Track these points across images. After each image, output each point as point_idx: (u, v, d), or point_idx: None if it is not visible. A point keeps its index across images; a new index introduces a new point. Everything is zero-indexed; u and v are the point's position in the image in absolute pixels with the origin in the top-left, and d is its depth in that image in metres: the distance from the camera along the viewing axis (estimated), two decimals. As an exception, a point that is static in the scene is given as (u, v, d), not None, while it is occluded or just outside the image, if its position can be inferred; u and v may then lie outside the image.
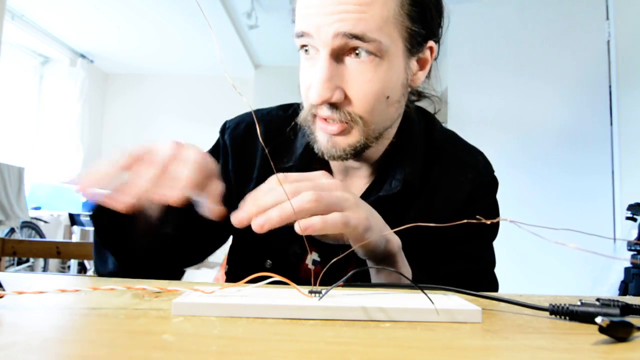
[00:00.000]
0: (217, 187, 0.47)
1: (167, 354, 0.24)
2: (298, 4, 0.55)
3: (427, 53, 0.61)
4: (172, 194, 0.43)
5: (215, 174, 0.47)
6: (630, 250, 1.70)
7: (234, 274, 0.72)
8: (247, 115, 0.72)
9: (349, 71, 0.54)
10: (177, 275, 0.69)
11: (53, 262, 4.03)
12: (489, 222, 0.33)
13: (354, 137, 0.56)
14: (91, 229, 3.96)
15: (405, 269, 0.53)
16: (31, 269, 3.66)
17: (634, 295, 1.68)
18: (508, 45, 2.55)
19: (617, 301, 0.36)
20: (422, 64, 0.61)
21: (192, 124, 4.96)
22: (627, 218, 1.86)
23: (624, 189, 2.22)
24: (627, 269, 1.77)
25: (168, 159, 0.44)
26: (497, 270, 0.68)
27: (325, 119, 0.55)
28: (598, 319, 0.28)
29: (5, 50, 2.96)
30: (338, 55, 0.53)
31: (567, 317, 0.34)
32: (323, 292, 0.36)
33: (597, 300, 0.36)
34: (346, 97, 0.54)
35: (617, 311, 0.34)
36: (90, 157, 4.72)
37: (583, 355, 0.26)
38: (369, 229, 0.46)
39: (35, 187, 3.91)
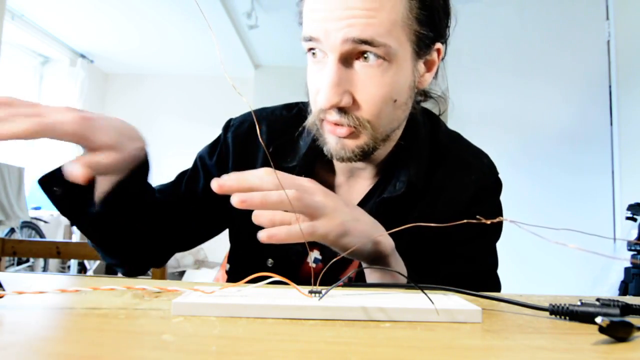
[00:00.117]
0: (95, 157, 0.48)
1: (167, 354, 0.24)
2: (305, 7, 0.55)
3: (435, 55, 0.60)
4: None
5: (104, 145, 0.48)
6: (630, 250, 1.70)
7: (235, 273, 0.72)
8: (249, 113, 0.72)
9: (357, 75, 0.54)
10: (154, 259, 0.71)
11: (53, 262, 4.03)
12: (488, 222, 0.33)
13: (363, 140, 0.56)
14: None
15: (400, 270, 0.53)
16: (31, 269, 3.66)
17: (634, 295, 1.68)
18: (508, 45, 2.55)
19: (617, 301, 0.36)
20: (429, 66, 0.61)
21: (192, 124, 4.95)
22: (627, 218, 1.86)
23: (624, 189, 2.22)
24: (627, 269, 1.77)
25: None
26: (497, 270, 0.68)
27: (333, 123, 0.55)
28: (598, 319, 0.28)
29: (5, 50, 2.96)
30: (346, 60, 0.53)
31: (567, 317, 0.34)
32: (323, 292, 0.36)
33: (597, 300, 0.36)
34: (354, 101, 0.54)
35: (617, 311, 0.34)
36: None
37: (583, 355, 0.26)
38: (344, 235, 0.47)
39: (35, 187, 3.91)
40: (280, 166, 0.55)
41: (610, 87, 2.32)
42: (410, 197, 0.62)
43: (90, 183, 0.56)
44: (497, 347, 0.27)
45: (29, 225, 3.56)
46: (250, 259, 0.68)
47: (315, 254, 0.65)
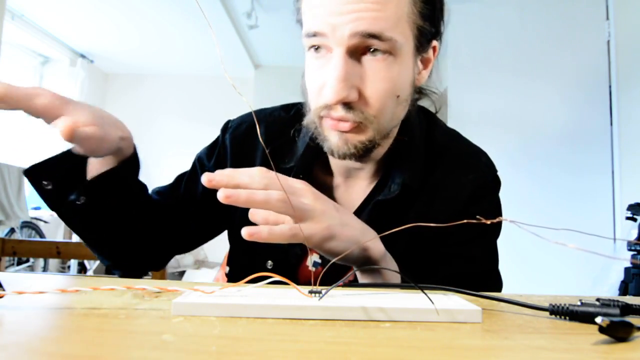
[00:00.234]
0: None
1: (167, 354, 0.24)
2: (306, 3, 0.55)
3: (430, 52, 0.61)
4: None
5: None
6: (630, 250, 1.70)
7: (234, 276, 0.72)
8: (250, 115, 0.72)
9: (363, 70, 0.53)
10: (153, 260, 0.71)
11: (53, 262, 4.03)
12: (488, 222, 0.33)
13: (365, 135, 0.56)
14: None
15: (391, 274, 0.53)
16: (31, 269, 3.66)
17: (634, 295, 1.68)
18: (508, 45, 2.55)
19: (617, 301, 0.36)
20: (425, 63, 0.61)
21: (192, 124, 4.95)
22: (627, 218, 1.86)
23: (624, 189, 2.22)
24: (627, 269, 1.77)
25: None
26: (498, 267, 0.67)
27: (337, 119, 0.54)
28: (598, 319, 0.28)
29: (5, 50, 2.96)
30: (352, 54, 0.53)
31: (567, 317, 0.34)
32: (323, 292, 0.36)
33: (597, 300, 0.36)
34: (360, 96, 0.54)
35: (617, 311, 0.34)
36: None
37: (583, 355, 0.26)
38: (329, 239, 0.47)
39: (35, 187, 3.91)
40: (278, 167, 0.55)
41: (610, 87, 2.32)
42: (406, 199, 0.61)
43: (79, 176, 0.56)
44: (497, 347, 0.27)
45: (29, 225, 3.56)
46: (250, 261, 0.68)
47: (315, 257, 0.65)
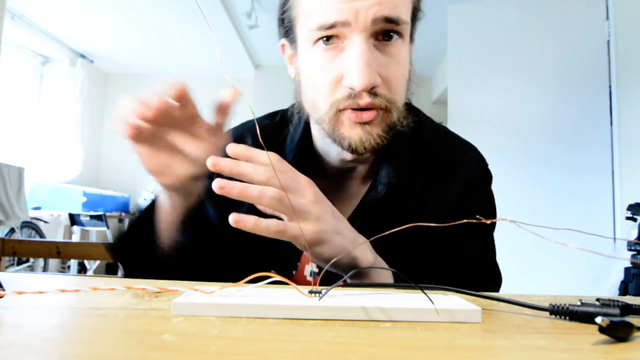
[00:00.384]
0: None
1: (167, 354, 0.24)
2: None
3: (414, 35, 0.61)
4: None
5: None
6: (630, 250, 1.70)
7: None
8: (237, 127, 0.71)
9: (381, 54, 0.53)
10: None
11: (53, 262, 4.02)
12: (489, 222, 0.33)
13: (388, 121, 0.55)
14: (91, 228, 3.95)
15: (386, 280, 0.53)
16: (31, 269, 3.66)
17: (634, 295, 1.68)
18: (508, 45, 2.55)
19: (617, 301, 0.36)
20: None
21: (192, 124, 4.95)
22: (627, 218, 1.86)
23: (624, 189, 2.22)
24: (627, 269, 1.77)
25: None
26: (496, 260, 0.67)
27: (359, 109, 0.54)
28: (598, 319, 0.28)
29: (5, 50, 2.96)
30: (369, 40, 0.53)
31: (567, 317, 0.34)
32: (323, 292, 0.36)
33: (597, 300, 0.36)
34: (382, 80, 0.54)
35: (617, 311, 0.34)
36: (90, 157, 4.72)
37: (583, 355, 0.26)
38: (317, 244, 0.47)
39: (35, 187, 3.91)
40: None
41: (610, 87, 2.32)
42: (395, 199, 0.61)
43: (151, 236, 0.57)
44: (497, 347, 0.27)
45: (29, 225, 3.55)
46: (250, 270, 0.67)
47: (312, 267, 0.64)
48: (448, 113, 2.64)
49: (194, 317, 0.32)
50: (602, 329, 0.28)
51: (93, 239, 4.27)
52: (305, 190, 0.48)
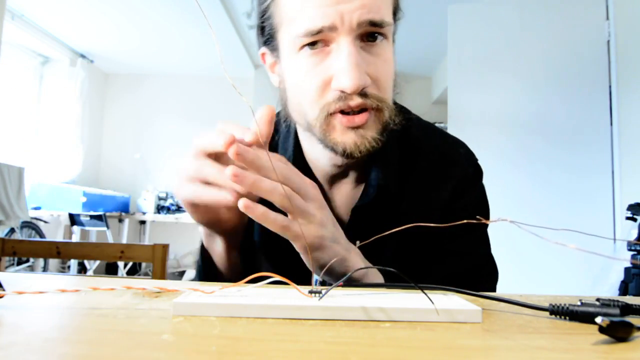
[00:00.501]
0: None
1: (167, 354, 0.24)
2: (303, 4, 0.53)
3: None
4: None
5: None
6: (630, 250, 1.70)
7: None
8: None
9: (368, 55, 0.53)
10: None
11: (53, 262, 4.03)
12: (488, 222, 0.33)
13: (378, 123, 0.55)
14: (91, 228, 3.96)
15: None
16: (31, 269, 3.66)
17: (634, 295, 1.68)
18: (508, 45, 2.55)
19: (617, 301, 0.36)
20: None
21: (192, 124, 4.95)
22: (627, 218, 1.86)
23: (624, 189, 2.22)
24: (627, 269, 1.77)
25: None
26: (491, 253, 0.67)
27: (347, 113, 0.53)
28: (598, 319, 0.28)
29: (5, 50, 2.96)
30: (356, 41, 0.52)
31: (567, 317, 0.34)
32: (323, 292, 0.36)
33: (597, 300, 0.36)
34: (371, 81, 0.54)
35: (617, 311, 0.34)
36: (90, 157, 4.72)
37: (583, 355, 0.26)
38: (316, 249, 0.48)
39: (35, 187, 3.91)
40: None
41: (610, 87, 2.32)
42: (387, 201, 0.60)
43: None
44: (497, 347, 0.27)
45: (29, 225, 3.56)
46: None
47: (316, 277, 0.65)
48: (448, 113, 2.64)
49: (194, 317, 0.32)
50: (602, 329, 0.28)
51: (93, 239, 4.28)
52: (313, 195, 0.48)
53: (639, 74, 2.14)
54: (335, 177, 0.64)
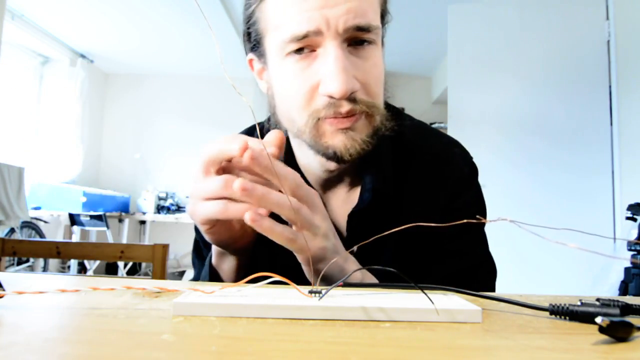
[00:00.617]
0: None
1: (167, 354, 0.24)
2: (280, 7, 0.52)
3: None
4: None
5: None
6: (630, 250, 1.70)
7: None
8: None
9: (356, 59, 0.53)
10: None
11: (53, 262, 4.03)
12: (489, 221, 0.33)
13: (372, 125, 0.55)
14: (91, 228, 3.96)
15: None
16: (31, 269, 3.66)
17: (634, 295, 1.68)
18: (508, 45, 2.55)
19: (617, 301, 0.36)
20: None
21: (192, 124, 4.96)
22: (627, 218, 1.86)
23: (624, 189, 2.23)
24: (627, 269, 1.77)
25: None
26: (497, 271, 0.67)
27: (344, 114, 0.52)
28: (598, 319, 0.28)
29: (5, 50, 2.96)
30: (343, 46, 0.52)
31: (567, 317, 0.34)
32: (323, 292, 0.36)
33: (597, 300, 0.36)
34: (360, 86, 0.53)
35: (617, 311, 0.34)
36: (90, 157, 4.73)
37: (583, 355, 0.26)
38: (319, 261, 0.47)
39: (35, 187, 3.91)
40: None
41: (610, 87, 2.33)
42: (383, 205, 0.60)
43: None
44: (497, 347, 0.27)
45: (29, 225, 3.56)
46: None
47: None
48: (448, 113, 2.64)
49: (194, 317, 0.32)
50: (602, 329, 0.28)
51: (93, 239, 4.28)
52: (318, 206, 0.48)
53: (639, 74, 2.14)
54: (330, 183, 0.63)
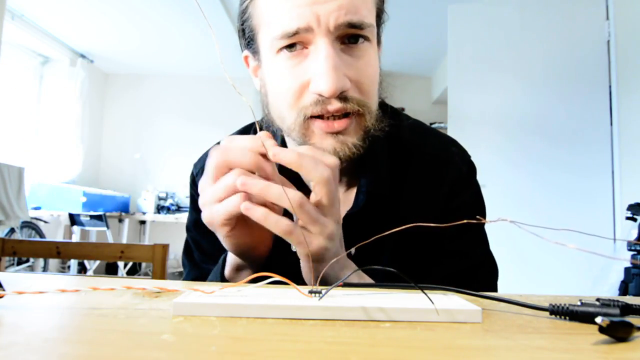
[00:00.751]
0: None
1: (167, 354, 0.24)
2: (279, 6, 0.51)
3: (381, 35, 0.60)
4: None
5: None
6: (630, 250, 1.70)
7: None
8: (206, 153, 0.70)
9: (349, 57, 0.52)
10: None
11: (53, 262, 4.03)
12: (489, 222, 0.33)
13: (362, 127, 0.54)
14: (91, 228, 3.96)
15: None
16: (31, 269, 3.66)
17: (634, 295, 1.68)
18: (508, 45, 2.55)
19: (617, 301, 0.36)
20: (379, 47, 0.60)
21: (192, 124, 4.96)
22: (627, 218, 1.86)
23: (624, 189, 2.23)
24: (627, 269, 1.77)
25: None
26: (490, 250, 0.67)
27: (326, 118, 0.52)
28: (598, 319, 0.28)
29: (5, 50, 2.96)
30: (335, 43, 0.51)
31: (567, 317, 0.34)
32: (323, 292, 0.36)
33: (597, 300, 0.36)
34: (351, 84, 0.52)
35: (617, 311, 0.34)
36: (90, 157, 4.73)
37: (583, 355, 0.26)
38: (318, 260, 0.47)
39: (35, 187, 3.91)
40: None
41: (610, 87, 2.33)
42: (380, 206, 0.59)
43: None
44: (497, 347, 0.27)
45: (29, 225, 3.56)
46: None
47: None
48: (448, 113, 2.64)
49: (194, 317, 0.32)
50: (602, 329, 0.28)
51: (93, 239, 4.28)
52: (332, 208, 0.47)
53: (639, 74, 2.14)
54: None
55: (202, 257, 0.69)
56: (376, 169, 0.60)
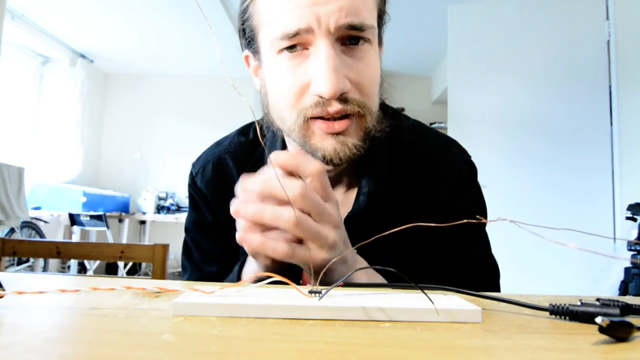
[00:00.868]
0: None
1: (167, 354, 0.24)
2: (280, 6, 0.51)
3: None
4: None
5: None
6: (630, 250, 1.70)
7: None
8: (208, 152, 0.70)
9: (349, 58, 0.52)
10: None
11: (53, 262, 4.03)
12: (489, 221, 0.33)
13: (363, 128, 0.53)
14: (91, 228, 3.96)
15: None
16: (31, 269, 3.66)
17: (634, 295, 1.69)
18: (508, 45, 2.55)
19: (617, 301, 0.36)
20: (381, 48, 0.60)
21: (192, 124, 4.96)
22: (627, 218, 1.86)
23: (624, 189, 2.23)
24: (627, 269, 1.77)
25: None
26: (491, 252, 0.67)
27: (327, 119, 0.52)
28: (598, 319, 0.28)
29: (5, 50, 2.96)
30: (335, 44, 0.51)
31: (567, 317, 0.34)
32: (323, 292, 0.36)
33: (597, 300, 0.36)
34: (352, 86, 0.52)
35: (617, 311, 0.34)
36: (90, 157, 4.73)
37: (583, 355, 0.26)
38: (330, 272, 0.46)
39: (35, 187, 3.91)
40: None
41: (610, 87, 2.33)
42: (380, 207, 0.59)
43: None
44: (497, 347, 0.27)
45: (29, 225, 3.56)
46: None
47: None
48: (448, 113, 2.64)
49: (194, 317, 0.32)
50: (602, 329, 0.28)
51: (93, 239, 4.28)
52: (330, 214, 0.46)
53: (639, 74, 2.14)
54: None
55: (202, 258, 0.69)
56: (377, 169, 0.60)
